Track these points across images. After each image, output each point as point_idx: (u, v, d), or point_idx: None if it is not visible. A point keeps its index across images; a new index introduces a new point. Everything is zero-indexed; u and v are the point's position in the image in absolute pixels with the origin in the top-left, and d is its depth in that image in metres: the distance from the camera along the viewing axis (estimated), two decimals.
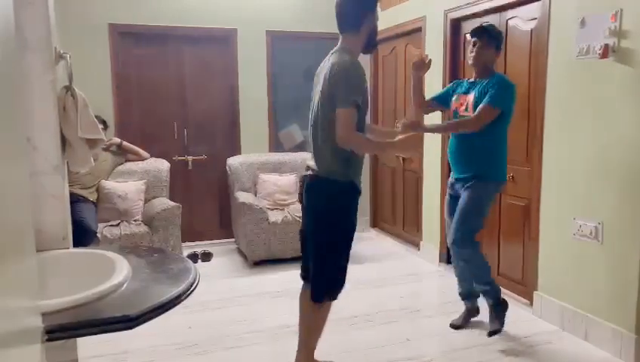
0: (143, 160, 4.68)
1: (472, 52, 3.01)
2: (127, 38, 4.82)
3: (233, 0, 5.02)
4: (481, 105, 2.87)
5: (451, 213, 3.13)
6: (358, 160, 2.40)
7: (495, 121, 2.88)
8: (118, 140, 4.59)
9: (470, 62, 3.04)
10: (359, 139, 2.30)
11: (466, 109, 2.99)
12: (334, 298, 2.53)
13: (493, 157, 2.99)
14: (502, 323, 3.07)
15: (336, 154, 2.31)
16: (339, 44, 2.40)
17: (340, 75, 2.23)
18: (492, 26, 3.08)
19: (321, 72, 2.40)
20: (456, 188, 3.11)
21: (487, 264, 3.09)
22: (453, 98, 3.11)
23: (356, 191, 2.42)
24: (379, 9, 2.44)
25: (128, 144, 4.64)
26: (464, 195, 3.02)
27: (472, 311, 3.26)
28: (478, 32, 3.01)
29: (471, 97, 2.99)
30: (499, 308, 3.09)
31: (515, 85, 2.96)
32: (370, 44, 2.42)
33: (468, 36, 4.03)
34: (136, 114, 4.96)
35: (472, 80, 3.08)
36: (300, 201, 2.56)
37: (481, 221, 3.03)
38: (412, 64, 3.14)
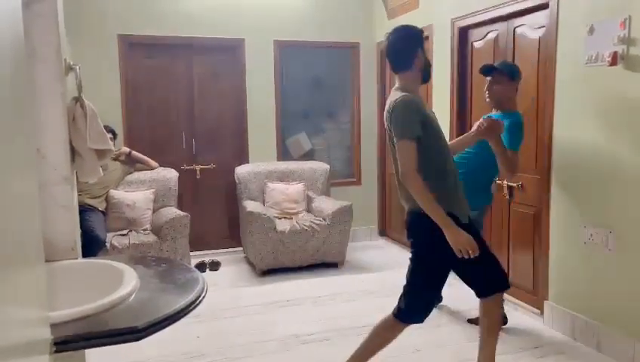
0: (152, 169, 4.71)
1: (486, 91, 3.09)
2: (136, 49, 4.87)
3: (241, 10, 5.06)
4: (512, 153, 2.90)
5: None
6: (447, 190, 2.39)
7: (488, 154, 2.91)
8: (127, 150, 4.62)
9: (487, 100, 3.12)
10: (416, 180, 2.28)
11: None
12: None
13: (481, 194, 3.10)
14: None
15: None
16: (398, 82, 2.48)
17: (394, 112, 2.33)
18: (502, 61, 3.21)
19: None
20: None
21: None
22: None
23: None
24: (425, 46, 2.52)
25: (137, 153, 4.66)
26: None
27: None
28: (484, 70, 3.09)
29: None
30: None
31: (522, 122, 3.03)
32: (425, 78, 2.52)
33: (476, 44, 4.04)
34: (145, 123, 4.99)
35: (496, 114, 3.10)
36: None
37: None
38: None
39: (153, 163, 4.73)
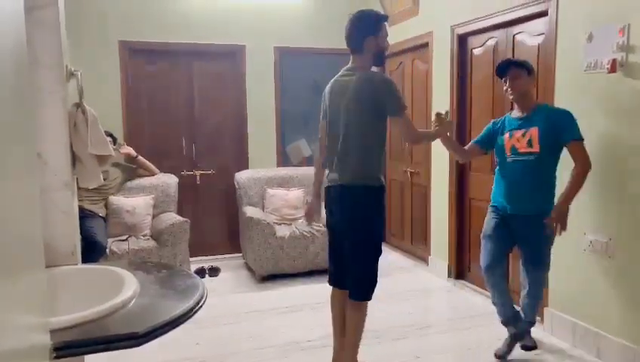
0: (153, 175, 4.71)
1: (507, 89, 2.90)
2: (137, 55, 4.88)
3: (241, 16, 5.08)
4: (575, 145, 2.73)
5: (497, 241, 2.97)
6: (382, 163, 2.65)
7: (558, 153, 2.81)
8: (134, 153, 4.60)
9: (512, 98, 2.93)
10: (422, 134, 2.92)
11: (530, 144, 2.80)
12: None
13: (554, 189, 2.88)
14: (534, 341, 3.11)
15: (371, 162, 2.56)
16: (351, 62, 2.64)
17: (384, 88, 2.52)
18: (515, 59, 3.08)
19: (341, 89, 2.60)
20: (512, 223, 2.92)
21: None
22: (505, 136, 2.92)
23: (385, 191, 2.64)
24: (387, 30, 2.64)
25: (143, 158, 4.66)
26: (534, 235, 2.86)
27: (519, 335, 3.03)
28: (503, 67, 2.93)
29: (535, 131, 2.80)
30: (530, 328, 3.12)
31: None
32: (376, 63, 2.67)
33: (476, 51, 4.05)
34: (145, 129, 5.00)
35: (518, 115, 2.92)
36: (328, 212, 2.75)
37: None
38: (433, 123, 2.94)
39: (156, 170, 4.74)
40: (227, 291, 4.28)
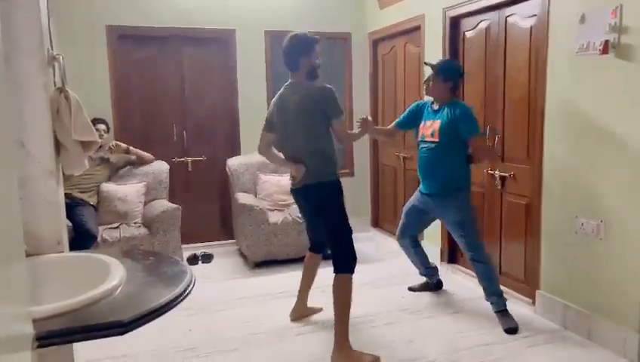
0: (148, 163, 4.67)
1: (426, 89, 3.39)
2: (125, 40, 4.81)
3: (231, 1, 5.00)
4: (474, 140, 3.20)
5: (408, 217, 3.62)
6: (333, 161, 3.00)
7: (460, 143, 3.21)
8: (124, 146, 4.56)
9: (427, 94, 3.45)
10: (351, 136, 3.33)
11: (432, 134, 3.26)
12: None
13: (462, 171, 3.31)
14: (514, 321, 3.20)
15: (323, 162, 2.93)
16: (290, 78, 3.00)
17: (326, 96, 2.87)
18: (445, 61, 3.47)
19: (284, 105, 2.96)
20: (427, 201, 3.42)
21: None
22: (421, 124, 3.39)
23: (339, 183, 3.01)
24: (318, 50, 2.97)
25: (135, 149, 4.62)
26: (451, 210, 3.31)
27: (431, 284, 3.83)
28: (430, 67, 3.35)
29: (437, 124, 3.25)
30: (506, 311, 3.24)
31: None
32: (309, 79, 2.96)
33: (468, 34, 4.01)
34: (135, 116, 4.95)
35: (435, 107, 3.33)
36: (299, 207, 3.27)
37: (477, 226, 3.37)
38: (357, 125, 3.47)
39: (149, 156, 4.68)
40: (220, 278, 4.27)
